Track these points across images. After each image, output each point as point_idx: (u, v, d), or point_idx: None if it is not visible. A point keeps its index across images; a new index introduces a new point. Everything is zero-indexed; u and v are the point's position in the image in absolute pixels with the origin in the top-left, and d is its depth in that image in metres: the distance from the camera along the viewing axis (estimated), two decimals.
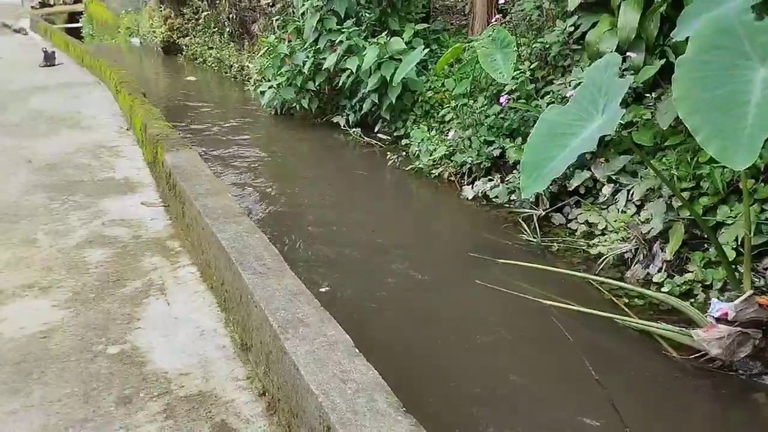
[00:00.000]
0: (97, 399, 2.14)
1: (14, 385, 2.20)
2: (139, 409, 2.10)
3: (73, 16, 18.49)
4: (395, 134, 6.14)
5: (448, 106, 5.47)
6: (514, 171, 4.52)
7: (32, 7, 19.87)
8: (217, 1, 11.04)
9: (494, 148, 4.73)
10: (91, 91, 7.83)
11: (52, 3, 20.46)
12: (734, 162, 2.22)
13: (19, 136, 5.55)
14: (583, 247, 3.81)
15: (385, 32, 6.25)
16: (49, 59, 9.76)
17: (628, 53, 4.05)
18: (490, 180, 4.66)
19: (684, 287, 3.21)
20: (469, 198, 4.66)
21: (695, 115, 2.33)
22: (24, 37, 14.50)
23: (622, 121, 3.87)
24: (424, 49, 5.61)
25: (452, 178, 5.03)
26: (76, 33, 15.83)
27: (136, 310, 2.71)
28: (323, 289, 3.40)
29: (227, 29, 10.73)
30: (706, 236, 3.23)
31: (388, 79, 5.80)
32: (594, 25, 4.47)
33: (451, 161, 5.05)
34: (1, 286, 2.89)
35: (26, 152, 5.03)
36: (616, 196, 3.88)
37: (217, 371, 2.31)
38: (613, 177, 3.93)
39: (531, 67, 4.77)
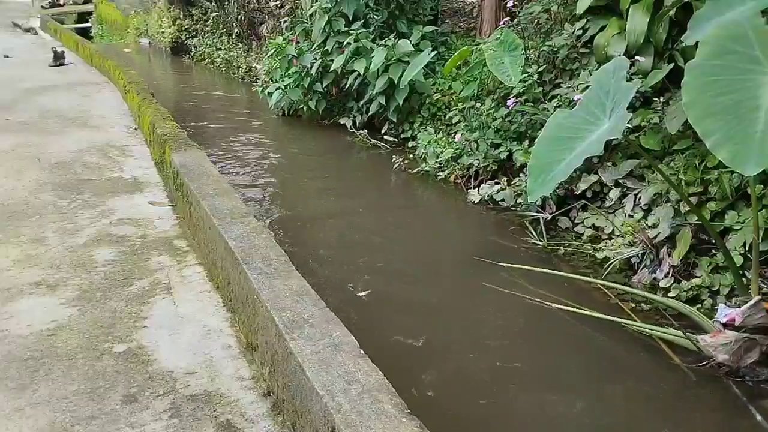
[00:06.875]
0: (103, 397, 2.15)
1: (21, 382, 2.22)
2: (145, 408, 2.10)
3: (83, 16, 18.59)
4: (402, 136, 6.13)
5: (455, 109, 5.46)
6: (521, 174, 4.51)
7: (42, 6, 19.98)
8: (226, 3, 11.08)
9: (501, 151, 4.73)
10: (100, 90, 7.87)
11: (62, 3, 20.57)
12: (744, 167, 2.21)
13: (28, 134, 5.58)
14: (590, 251, 3.80)
15: (393, 34, 6.25)
16: (58, 59, 9.80)
17: (636, 57, 4.04)
18: (497, 183, 4.65)
19: (691, 292, 3.18)
20: (476, 201, 4.65)
21: (705, 120, 2.32)
22: (34, 36, 14.57)
23: (629, 125, 3.86)
24: (431, 52, 5.60)
25: (458, 181, 5.02)
26: (85, 33, 15.91)
27: (143, 309, 2.72)
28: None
29: (235, 30, 10.76)
30: (713, 241, 3.22)
31: (396, 81, 5.80)
32: (602, 28, 4.46)
33: (458, 164, 5.05)
34: (10, 283, 2.90)
35: (35, 150, 5.06)
36: (623, 201, 3.87)
37: (223, 371, 2.32)
38: (621, 181, 3.92)
39: (539, 70, 4.76)
